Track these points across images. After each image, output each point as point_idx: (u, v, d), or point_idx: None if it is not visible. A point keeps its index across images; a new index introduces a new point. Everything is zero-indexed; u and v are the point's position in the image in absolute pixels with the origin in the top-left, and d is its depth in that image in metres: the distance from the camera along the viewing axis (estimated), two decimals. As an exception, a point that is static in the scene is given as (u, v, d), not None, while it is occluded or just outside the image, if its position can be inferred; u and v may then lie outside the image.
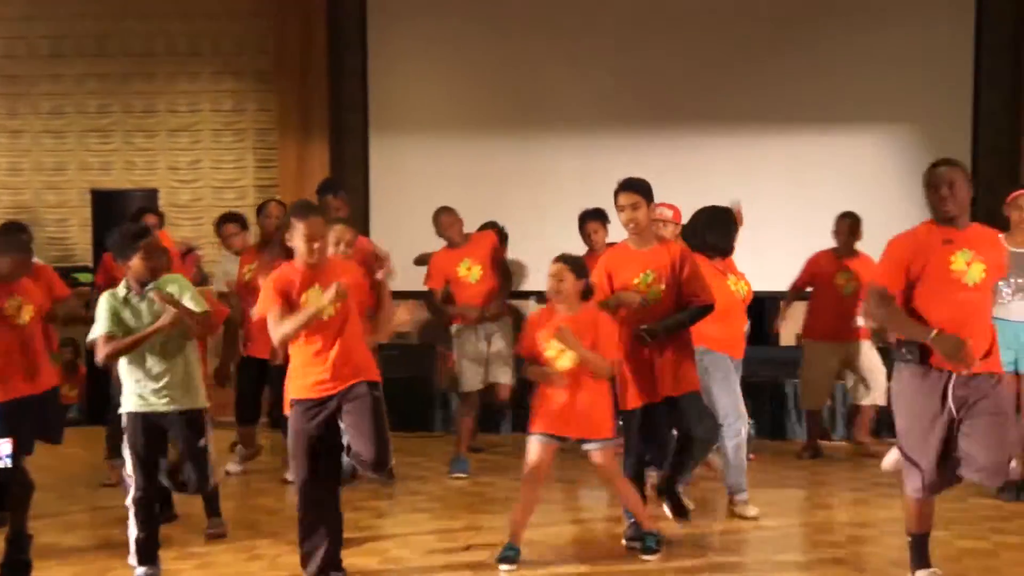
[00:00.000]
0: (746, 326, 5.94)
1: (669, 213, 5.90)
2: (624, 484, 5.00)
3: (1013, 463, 4.23)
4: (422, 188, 9.15)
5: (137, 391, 4.76)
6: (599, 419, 4.84)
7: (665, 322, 4.93)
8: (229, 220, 7.30)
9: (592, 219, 6.96)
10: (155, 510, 4.83)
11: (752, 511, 5.65)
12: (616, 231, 6.02)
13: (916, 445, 4.23)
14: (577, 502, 6.31)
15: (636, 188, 5.01)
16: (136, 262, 4.71)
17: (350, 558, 4.85)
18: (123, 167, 10.20)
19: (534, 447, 4.86)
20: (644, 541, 5.00)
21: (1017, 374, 5.86)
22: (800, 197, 9.12)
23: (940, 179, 4.26)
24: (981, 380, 4.17)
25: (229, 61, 10.07)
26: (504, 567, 4.81)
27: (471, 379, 6.86)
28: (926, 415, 4.20)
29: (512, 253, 7.86)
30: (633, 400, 5.03)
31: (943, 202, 4.23)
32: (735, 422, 5.60)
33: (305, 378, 4.55)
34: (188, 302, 4.71)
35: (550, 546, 5.20)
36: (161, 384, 4.76)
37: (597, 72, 9.52)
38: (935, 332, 4.06)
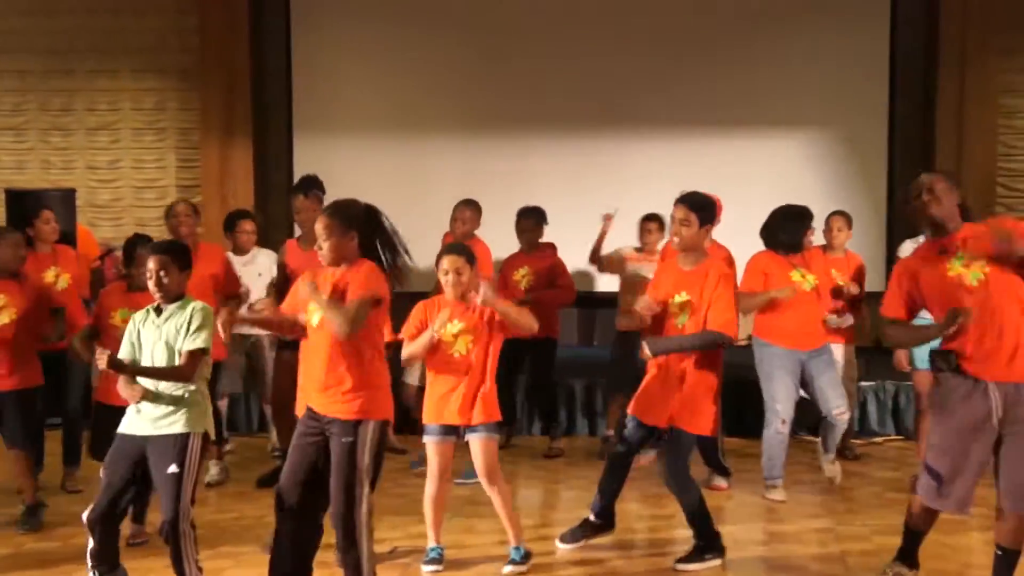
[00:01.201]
0: (827, 316, 6.27)
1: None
2: (500, 485, 4.86)
3: None
4: (347, 189, 8.95)
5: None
6: (484, 405, 4.77)
7: (671, 340, 4.88)
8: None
9: (527, 218, 7.19)
10: (112, 524, 4.36)
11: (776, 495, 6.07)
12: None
13: (942, 456, 4.17)
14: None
15: (687, 202, 4.92)
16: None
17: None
18: (39, 166, 9.98)
19: (429, 448, 4.86)
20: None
21: None
22: (724, 198, 9.24)
23: (919, 186, 4.22)
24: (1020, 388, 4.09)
25: (151, 58, 9.91)
26: (427, 568, 4.82)
27: (411, 373, 6.95)
28: (966, 427, 4.13)
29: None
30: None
31: (926, 206, 4.19)
32: (770, 415, 6.06)
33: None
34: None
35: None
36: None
37: (525, 73, 9.59)
38: (947, 312, 4.06)
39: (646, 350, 4.84)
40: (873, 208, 9.31)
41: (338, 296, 4.10)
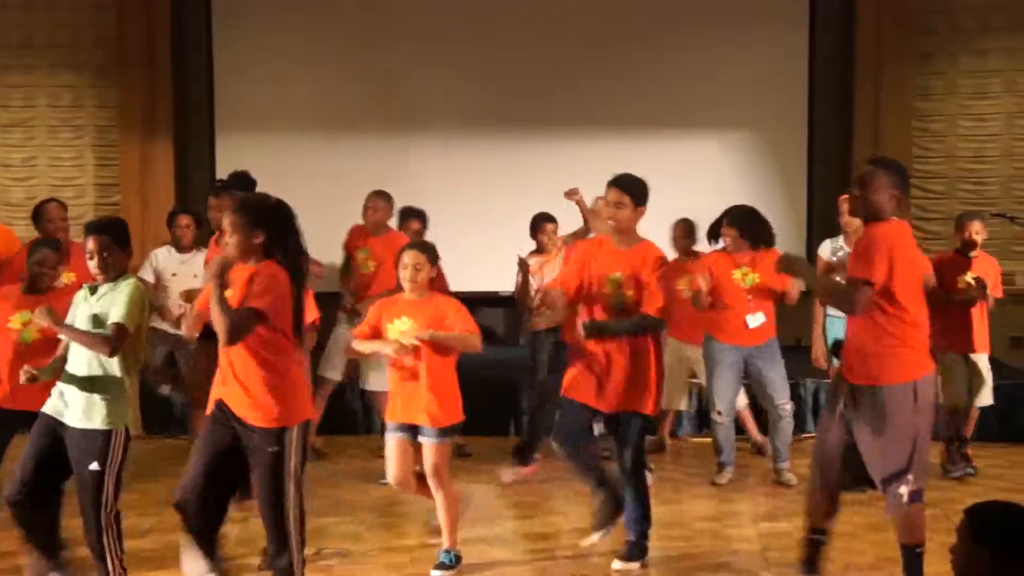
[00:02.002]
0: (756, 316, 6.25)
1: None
2: (447, 488, 4.82)
3: None
4: (270, 188, 8.95)
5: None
6: (439, 407, 4.72)
7: (607, 324, 4.80)
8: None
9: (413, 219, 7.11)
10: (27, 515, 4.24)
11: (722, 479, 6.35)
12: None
13: (819, 450, 4.34)
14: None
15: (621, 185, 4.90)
16: None
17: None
18: (-49, 164, 9.71)
19: (387, 446, 4.82)
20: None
21: None
22: (652, 201, 9.33)
23: (855, 178, 4.34)
24: (861, 391, 4.20)
25: (67, 54, 9.69)
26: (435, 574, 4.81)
27: (333, 368, 6.89)
28: (829, 423, 4.33)
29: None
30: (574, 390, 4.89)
31: (851, 199, 4.41)
32: (711, 406, 6.34)
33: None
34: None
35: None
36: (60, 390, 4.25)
37: (448, 74, 9.58)
38: None
39: (582, 332, 4.77)
40: (792, 208, 9.48)
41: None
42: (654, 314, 4.78)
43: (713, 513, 5.93)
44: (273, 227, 4.00)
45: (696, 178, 9.39)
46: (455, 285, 6.88)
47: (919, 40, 9.50)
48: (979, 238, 6.47)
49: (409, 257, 4.78)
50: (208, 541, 4.06)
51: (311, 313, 5.19)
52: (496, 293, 8.71)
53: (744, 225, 6.26)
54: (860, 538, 5.27)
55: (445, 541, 4.85)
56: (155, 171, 9.54)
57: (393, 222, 7.12)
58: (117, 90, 9.60)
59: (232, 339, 3.82)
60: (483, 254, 8.63)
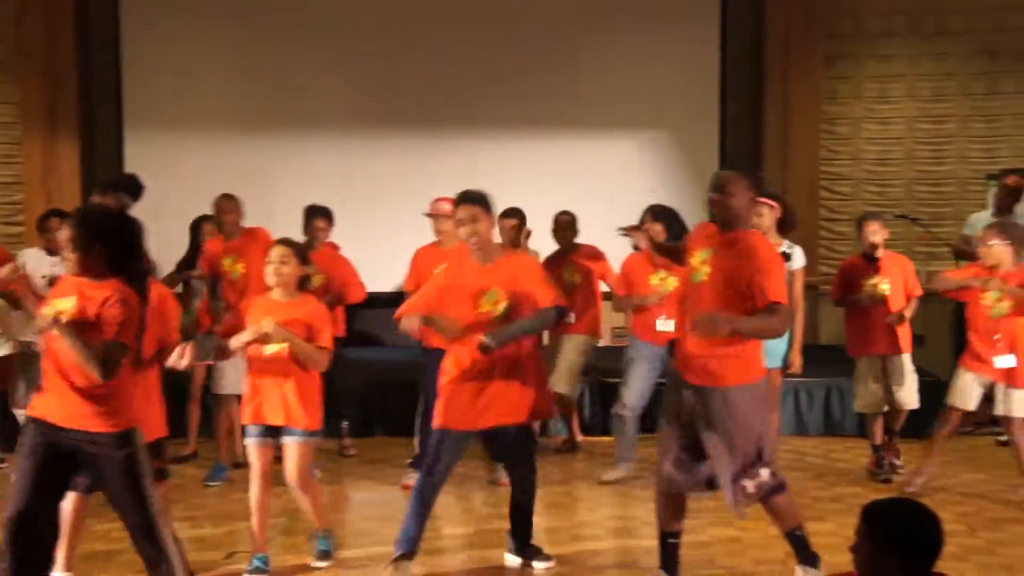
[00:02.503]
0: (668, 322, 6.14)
1: (449, 207, 6.00)
2: (311, 489, 4.82)
3: None
4: (181, 188, 8.81)
5: None
6: (303, 410, 4.67)
7: (511, 328, 4.60)
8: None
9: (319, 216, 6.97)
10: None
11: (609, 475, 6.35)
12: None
13: (662, 450, 4.39)
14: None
15: (475, 200, 4.71)
16: None
17: (101, 573, 4.62)
18: None
19: (250, 450, 4.73)
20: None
21: (781, 369, 6.15)
22: (566, 200, 9.39)
23: (712, 183, 4.35)
24: (706, 392, 4.27)
25: (-37, 49, 9.37)
26: None
27: (231, 382, 6.62)
28: (671, 422, 4.37)
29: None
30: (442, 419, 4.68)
31: (711, 203, 4.32)
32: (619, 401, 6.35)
33: None
34: None
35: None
36: None
37: (362, 72, 9.52)
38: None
39: (489, 344, 4.52)
40: (706, 208, 9.58)
41: (81, 317, 3.72)
42: (552, 304, 4.68)
43: (619, 514, 5.95)
44: (113, 243, 3.80)
45: (611, 177, 9.48)
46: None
47: (826, 43, 9.72)
48: (876, 239, 6.43)
49: (275, 252, 4.70)
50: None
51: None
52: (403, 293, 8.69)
53: (668, 221, 6.25)
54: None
55: (317, 525, 4.91)
56: (60, 168, 9.29)
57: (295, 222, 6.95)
58: (18, 86, 9.31)
59: (108, 376, 3.68)
60: (392, 254, 8.53)
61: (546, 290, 4.70)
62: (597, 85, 9.56)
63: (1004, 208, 7.72)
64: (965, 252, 7.78)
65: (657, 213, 6.29)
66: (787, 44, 9.61)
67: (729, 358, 4.18)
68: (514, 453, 4.88)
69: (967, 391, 5.88)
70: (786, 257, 5.98)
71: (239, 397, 6.58)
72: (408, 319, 4.68)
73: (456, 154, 9.44)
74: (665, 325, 6.19)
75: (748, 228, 4.31)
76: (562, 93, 9.54)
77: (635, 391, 6.34)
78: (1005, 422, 5.90)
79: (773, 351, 5.94)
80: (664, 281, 6.24)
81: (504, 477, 5.82)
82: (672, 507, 4.40)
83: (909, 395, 6.48)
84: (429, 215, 6.42)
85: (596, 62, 9.58)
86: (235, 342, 4.64)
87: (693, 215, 9.08)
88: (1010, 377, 5.77)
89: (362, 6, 9.57)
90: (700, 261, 4.29)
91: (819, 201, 9.69)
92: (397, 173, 9.46)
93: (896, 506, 2.95)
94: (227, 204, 6.66)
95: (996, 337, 5.77)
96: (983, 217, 7.97)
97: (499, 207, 6.37)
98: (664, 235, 6.06)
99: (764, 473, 4.23)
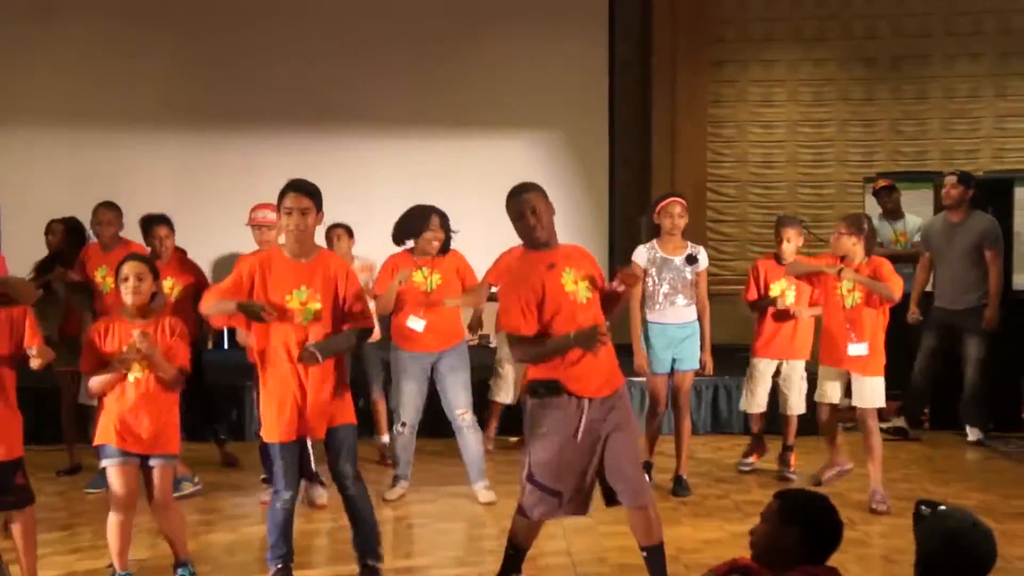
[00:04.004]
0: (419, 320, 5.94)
1: (273, 216, 5.91)
2: (175, 513, 4.69)
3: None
4: (24, 186, 8.55)
5: None
6: (166, 433, 4.55)
7: (333, 342, 4.43)
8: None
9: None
10: None
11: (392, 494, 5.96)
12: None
13: (556, 474, 4.18)
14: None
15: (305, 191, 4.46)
16: None
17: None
18: None
19: (111, 473, 4.53)
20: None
21: (673, 372, 6.14)
22: (454, 201, 9.38)
23: (525, 206, 4.20)
24: (612, 399, 4.23)
25: None
26: None
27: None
28: (568, 444, 4.15)
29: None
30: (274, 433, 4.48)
31: (534, 229, 4.20)
32: (397, 423, 5.97)
33: None
34: None
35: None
36: None
37: (243, 69, 9.37)
38: (573, 333, 4.08)
39: (316, 356, 4.32)
40: (596, 208, 9.71)
41: None
42: (365, 325, 4.51)
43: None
44: None
45: (501, 178, 9.45)
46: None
47: (711, 48, 9.92)
48: (788, 244, 6.46)
49: (129, 268, 4.52)
50: None
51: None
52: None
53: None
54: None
55: (179, 553, 4.71)
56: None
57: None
58: None
59: None
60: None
61: (364, 303, 4.53)
62: (486, 85, 9.58)
63: (890, 211, 7.99)
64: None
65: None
66: (673, 48, 9.77)
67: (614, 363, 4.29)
68: (339, 463, 4.56)
69: (827, 386, 6.00)
70: (692, 259, 6.05)
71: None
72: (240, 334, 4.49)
73: (344, 152, 9.35)
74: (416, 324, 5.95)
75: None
76: (451, 92, 9.54)
77: (411, 411, 5.99)
78: (858, 410, 5.97)
79: (660, 358, 6.05)
80: (427, 279, 5.94)
81: (318, 498, 5.77)
82: (536, 528, 4.38)
83: (797, 401, 6.58)
84: (251, 224, 6.15)
85: (485, 62, 9.60)
86: (96, 385, 4.49)
87: (583, 216, 9.25)
88: (862, 366, 5.88)
89: (241, 5, 9.41)
90: (571, 280, 4.21)
91: (706, 203, 9.88)
92: (274, 169, 9.29)
93: (809, 495, 3.13)
94: (107, 215, 6.42)
95: (847, 327, 5.85)
96: (882, 225, 8.20)
97: (386, 206, 6.37)
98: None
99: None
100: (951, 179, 7.56)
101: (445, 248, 6.05)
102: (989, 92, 9.88)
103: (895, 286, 5.80)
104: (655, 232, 6.18)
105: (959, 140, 9.91)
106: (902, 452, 7.27)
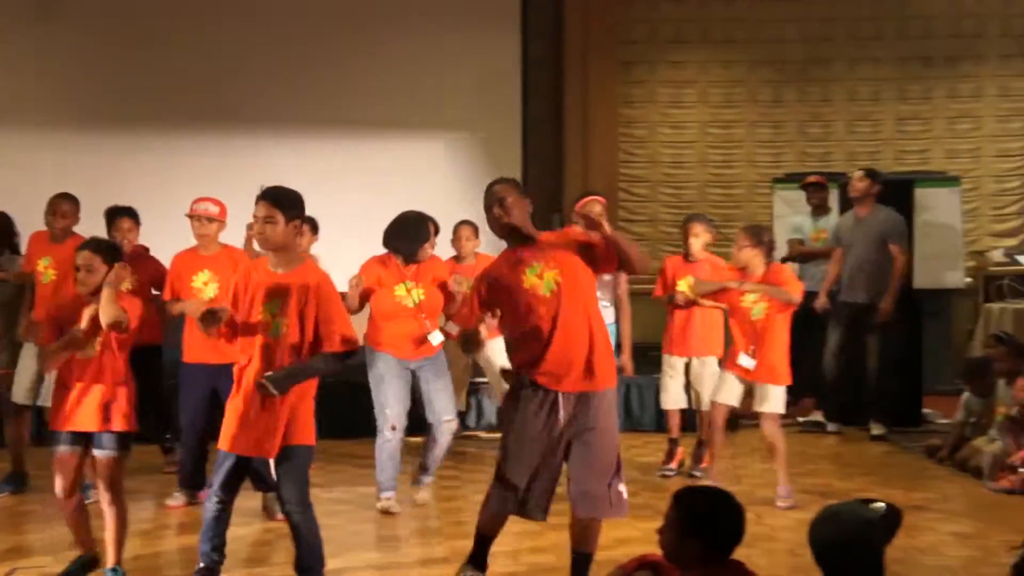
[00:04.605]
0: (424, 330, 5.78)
1: (215, 209, 5.79)
2: (120, 507, 4.53)
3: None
4: None
5: None
6: (122, 415, 4.45)
7: (295, 372, 4.21)
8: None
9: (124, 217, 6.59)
10: None
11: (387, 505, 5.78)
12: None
13: (514, 468, 4.16)
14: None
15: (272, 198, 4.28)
16: None
17: None
18: None
19: (57, 458, 4.47)
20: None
21: None
22: (368, 201, 9.33)
23: (492, 198, 4.21)
24: (590, 398, 4.17)
25: None
26: None
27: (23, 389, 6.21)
28: (528, 438, 4.15)
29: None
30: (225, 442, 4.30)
31: (499, 219, 4.19)
32: (380, 422, 5.75)
33: None
34: None
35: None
36: None
37: (135, 69, 9.20)
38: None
39: (272, 391, 4.12)
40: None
41: None
42: (344, 348, 4.26)
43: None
44: None
45: (414, 178, 9.45)
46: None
47: (622, 49, 10.01)
48: (694, 241, 6.49)
49: (81, 258, 4.46)
50: None
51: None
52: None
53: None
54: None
55: (110, 559, 4.54)
56: None
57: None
58: None
59: None
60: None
61: (342, 324, 4.28)
62: (398, 84, 9.52)
63: (816, 207, 8.16)
64: (803, 254, 8.19)
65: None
66: (585, 49, 9.84)
67: (606, 360, 4.22)
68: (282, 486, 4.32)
69: (729, 388, 6.06)
70: None
71: (31, 408, 6.29)
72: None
73: (253, 154, 9.20)
74: (435, 338, 5.82)
75: (536, 232, 4.27)
76: (363, 92, 9.48)
77: (400, 412, 5.82)
78: (760, 416, 6.07)
79: None
80: (410, 293, 5.80)
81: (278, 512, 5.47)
82: (502, 520, 4.34)
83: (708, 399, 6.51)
84: (190, 216, 5.98)
85: (397, 62, 9.54)
86: (53, 358, 4.41)
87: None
88: (764, 375, 5.94)
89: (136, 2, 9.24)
90: (537, 275, 4.17)
91: (618, 203, 9.96)
92: (193, 171, 9.15)
93: (704, 493, 3.14)
94: (63, 206, 6.28)
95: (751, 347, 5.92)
96: (804, 220, 8.38)
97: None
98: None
99: (622, 476, 4.22)
100: (859, 173, 7.81)
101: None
102: (890, 95, 10.15)
103: (794, 289, 5.92)
104: None
105: (862, 142, 10.16)
106: (810, 447, 7.44)
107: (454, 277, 5.80)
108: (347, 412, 7.25)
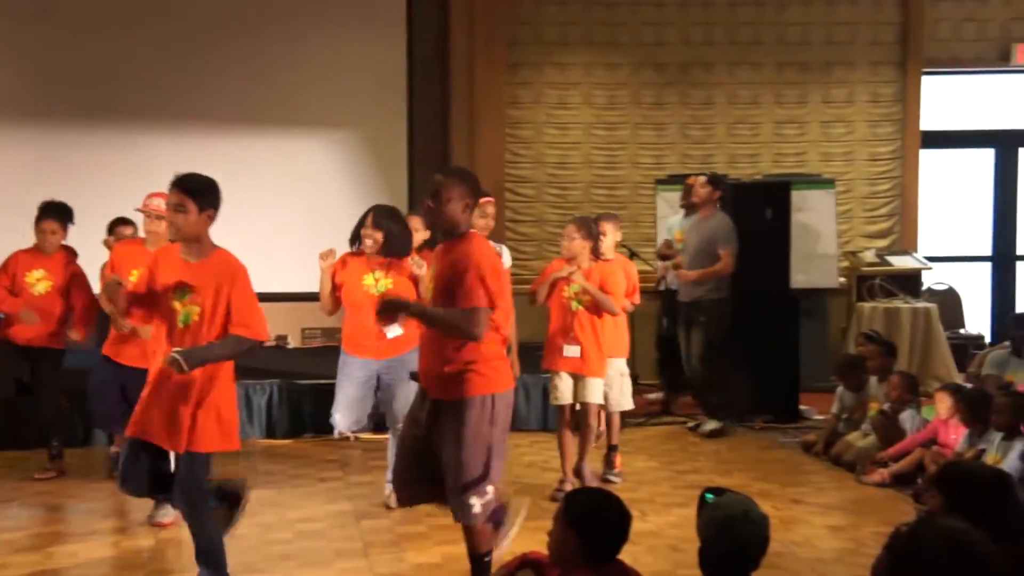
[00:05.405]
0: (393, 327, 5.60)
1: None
2: None
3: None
4: None
5: None
6: None
7: (205, 350, 4.14)
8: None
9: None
10: None
11: None
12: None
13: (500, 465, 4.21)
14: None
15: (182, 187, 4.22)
16: None
17: None
18: None
19: None
20: None
21: None
22: (252, 199, 9.18)
23: (429, 187, 4.21)
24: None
25: None
26: None
27: None
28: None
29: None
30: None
31: (429, 212, 4.26)
32: (336, 429, 5.78)
33: None
34: None
35: None
36: None
37: (54, 64, 8.91)
38: None
39: (178, 361, 4.04)
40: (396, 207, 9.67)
41: None
42: (251, 335, 4.23)
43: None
44: None
45: (299, 178, 9.34)
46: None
47: (508, 50, 10.04)
48: (606, 238, 6.34)
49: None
50: None
51: None
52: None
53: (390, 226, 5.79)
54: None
55: None
56: None
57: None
58: None
59: None
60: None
61: (251, 313, 4.24)
62: (282, 83, 9.42)
63: (690, 207, 8.29)
64: (667, 255, 8.35)
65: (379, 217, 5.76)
66: (471, 50, 9.85)
67: (468, 373, 4.14)
68: (175, 483, 4.28)
69: (561, 388, 6.12)
70: None
71: None
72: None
73: (130, 150, 9.00)
74: (392, 332, 5.65)
75: (466, 232, 4.24)
76: (246, 91, 9.34)
77: (348, 418, 5.78)
78: (582, 409, 6.10)
79: None
80: (378, 282, 5.69)
81: (162, 516, 5.41)
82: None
83: (620, 397, 6.52)
84: (141, 211, 5.85)
85: (280, 60, 9.43)
86: None
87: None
88: (583, 367, 6.04)
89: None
90: (430, 277, 4.29)
91: (504, 203, 9.99)
92: (70, 168, 8.90)
93: (590, 495, 3.17)
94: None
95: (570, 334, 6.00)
96: (677, 219, 8.53)
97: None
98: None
99: (490, 491, 4.17)
100: (701, 179, 8.01)
101: (401, 250, 5.70)
102: (768, 99, 10.41)
103: (617, 302, 6.09)
104: None
105: (742, 144, 10.39)
106: (690, 445, 7.58)
107: (413, 259, 5.70)
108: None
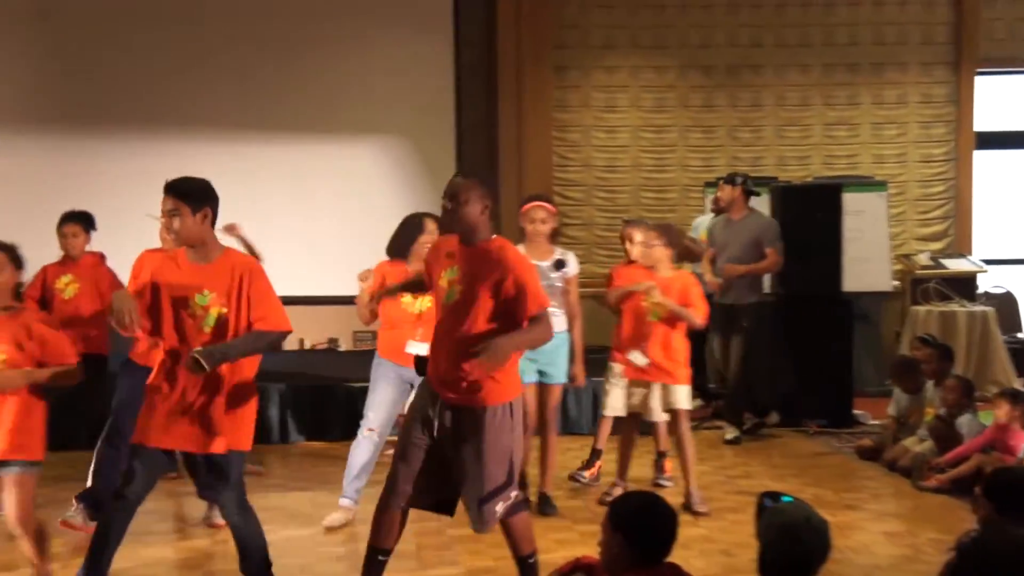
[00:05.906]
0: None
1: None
2: (34, 530, 4.36)
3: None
4: None
5: None
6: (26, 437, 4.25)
7: (228, 348, 4.08)
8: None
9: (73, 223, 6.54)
10: None
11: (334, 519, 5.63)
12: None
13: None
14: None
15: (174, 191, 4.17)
16: None
17: None
18: None
19: None
20: None
21: (541, 385, 5.85)
22: (302, 205, 9.26)
23: (446, 190, 4.13)
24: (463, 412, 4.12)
25: None
26: None
27: None
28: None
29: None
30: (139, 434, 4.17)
31: (444, 213, 4.14)
32: (362, 423, 5.65)
33: None
34: None
35: None
36: None
37: (83, 70, 9.02)
38: None
39: (202, 364, 3.96)
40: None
41: None
42: (275, 328, 4.18)
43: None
44: None
45: (348, 184, 9.41)
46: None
47: (555, 54, 10.04)
48: (634, 246, 6.23)
49: None
50: None
51: None
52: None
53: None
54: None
55: None
56: None
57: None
58: None
59: None
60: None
61: (272, 308, 4.17)
62: (331, 90, 9.49)
63: (720, 210, 8.23)
64: (691, 252, 8.28)
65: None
66: (518, 54, 9.86)
67: (488, 379, 4.04)
68: (208, 486, 4.28)
69: (620, 398, 6.04)
70: (560, 264, 5.78)
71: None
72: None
73: (183, 159, 8.99)
74: (417, 348, 5.43)
75: (488, 237, 4.15)
76: (295, 98, 9.42)
77: (381, 416, 5.70)
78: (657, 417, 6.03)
79: (523, 367, 5.40)
80: (417, 300, 5.58)
81: (217, 517, 5.36)
82: (398, 524, 4.22)
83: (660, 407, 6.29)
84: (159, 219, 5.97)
85: (330, 67, 9.50)
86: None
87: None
88: (667, 377, 5.95)
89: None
90: (448, 281, 4.12)
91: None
92: (118, 175, 9.01)
93: (636, 499, 3.15)
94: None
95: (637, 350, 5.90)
96: (705, 220, 8.49)
97: (231, 215, 6.11)
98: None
99: (513, 494, 4.14)
100: (721, 183, 7.94)
101: None
102: (817, 101, 10.31)
103: (699, 313, 5.92)
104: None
105: (792, 147, 10.30)
106: (742, 449, 7.51)
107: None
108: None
